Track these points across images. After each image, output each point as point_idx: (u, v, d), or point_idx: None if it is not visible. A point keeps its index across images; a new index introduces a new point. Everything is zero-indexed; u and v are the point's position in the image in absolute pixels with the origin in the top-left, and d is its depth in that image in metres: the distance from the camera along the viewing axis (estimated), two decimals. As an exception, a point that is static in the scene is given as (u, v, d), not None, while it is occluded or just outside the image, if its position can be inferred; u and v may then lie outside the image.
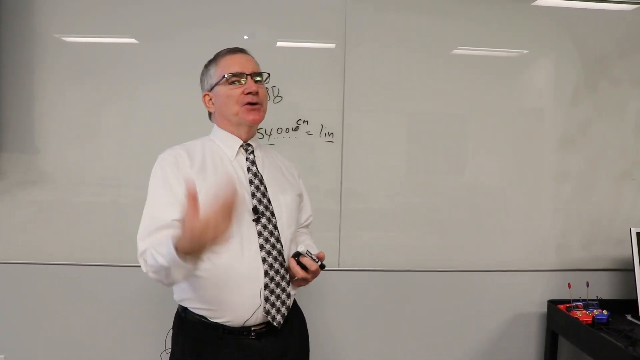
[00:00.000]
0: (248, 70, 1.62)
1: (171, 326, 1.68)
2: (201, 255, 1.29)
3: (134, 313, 2.48)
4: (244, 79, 1.61)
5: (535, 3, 2.59)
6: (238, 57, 1.65)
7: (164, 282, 1.42)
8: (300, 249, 1.58)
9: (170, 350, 1.67)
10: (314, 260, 1.57)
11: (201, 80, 1.71)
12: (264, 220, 1.58)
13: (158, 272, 1.38)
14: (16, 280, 2.47)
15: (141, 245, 1.47)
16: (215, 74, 1.64)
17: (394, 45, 2.54)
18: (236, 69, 1.61)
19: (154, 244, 1.39)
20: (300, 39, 2.52)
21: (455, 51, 2.59)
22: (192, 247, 1.23)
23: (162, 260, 1.32)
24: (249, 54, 1.69)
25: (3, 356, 2.48)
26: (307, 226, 1.90)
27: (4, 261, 2.46)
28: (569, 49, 2.61)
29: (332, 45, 2.52)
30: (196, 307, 1.57)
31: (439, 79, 2.57)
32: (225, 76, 1.61)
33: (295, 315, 1.73)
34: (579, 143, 2.64)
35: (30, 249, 2.46)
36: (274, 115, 2.43)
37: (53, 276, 2.47)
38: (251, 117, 1.62)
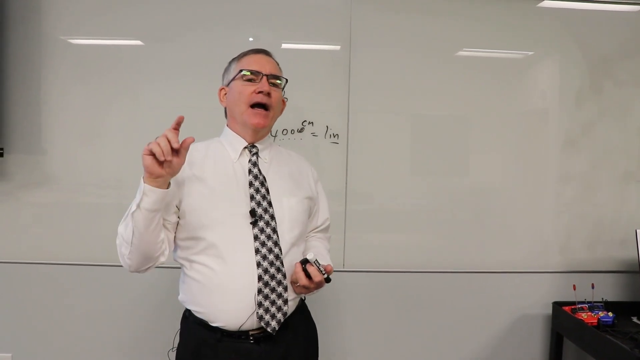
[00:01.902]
0: (266, 70, 1.62)
1: (179, 325, 1.69)
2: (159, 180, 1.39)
3: (141, 312, 2.50)
4: (259, 78, 1.61)
5: (539, 4, 2.59)
6: (259, 57, 1.66)
7: (124, 236, 1.47)
8: (309, 257, 1.53)
9: (176, 349, 1.68)
10: (320, 271, 1.53)
11: (222, 77, 1.72)
12: (261, 223, 1.57)
13: (126, 219, 1.46)
14: (23, 280, 2.48)
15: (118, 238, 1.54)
16: (234, 69, 1.65)
17: (399, 46, 2.54)
18: (254, 67, 1.62)
19: None
20: (305, 41, 2.53)
21: (460, 53, 2.59)
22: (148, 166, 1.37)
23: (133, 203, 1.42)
24: (271, 57, 1.69)
25: (10, 355, 2.50)
26: (324, 230, 1.88)
27: (11, 261, 2.47)
28: (573, 50, 2.61)
29: (337, 47, 2.53)
30: (196, 310, 1.58)
31: (444, 80, 2.57)
32: (242, 72, 1.61)
33: (301, 321, 1.72)
34: (583, 144, 2.64)
35: (36, 249, 2.48)
36: (279, 117, 2.44)
37: (59, 276, 2.48)
38: (255, 120, 1.60)
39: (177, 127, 1.39)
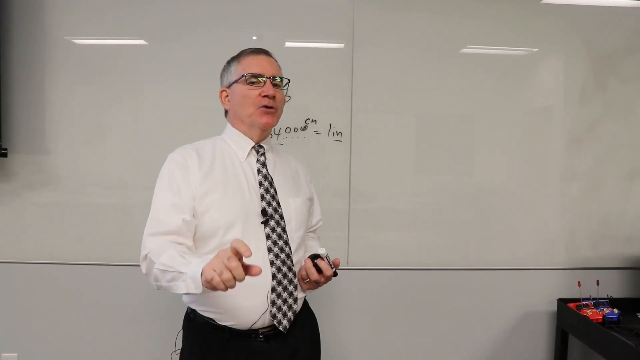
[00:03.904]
0: (268, 73, 1.61)
1: (181, 327, 1.69)
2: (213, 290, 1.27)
3: (144, 313, 2.50)
4: (263, 81, 1.60)
5: (543, 1, 2.57)
6: (261, 58, 1.64)
7: (161, 283, 1.39)
8: (321, 252, 1.56)
9: (179, 350, 1.67)
10: (330, 265, 1.56)
11: (221, 76, 1.70)
12: (272, 222, 1.57)
13: (165, 272, 1.36)
14: (27, 280, 2.49)
15: (145, 245, 1.46)
16: (235, 71, 1.63)
17: (402, 44, 2.54)
18: (257, 70, 1.60)
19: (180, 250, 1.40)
20: (308, 39, 2.53)
21: (464, 50, 2.58)
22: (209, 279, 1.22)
23: (182, 266, 1.31)
24: (272, 57, 1.67)
25: (16, 354, 2.51)
26: (315, 230, 1.90)
27: (16, 261, 2.48)
28: (577, 46, 2.60)
29: (341, 45, 2.52)
30: (204, 309, 1.57)
31: (447, 78, 2.56)
32: (245, 75, 1.59)
33: (306, 318, 1.72)
34: (588, 141, 2.63)
35: (41, 249, 2.49)
36: (282, 115, 2.44)
37: (63, 276, 2.49)
38: (264, 120, 1.60)
39: (241, 258, 1.22)
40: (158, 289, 1.45)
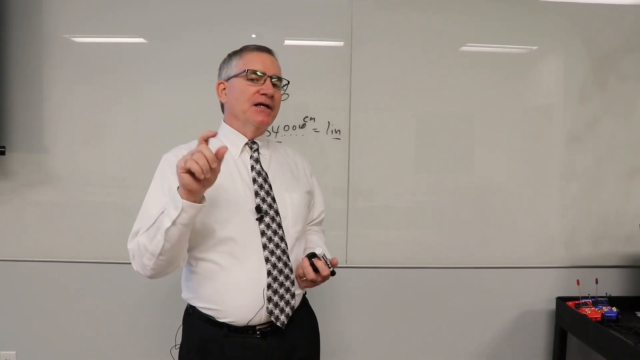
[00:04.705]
0: (270, 71, 1.61)
1: (181, 322, 1.69)
2: (194, 194, 1.33)
3: (144, 310, 2.51)
4: (263, 79, 1.60)
5: (543, -1, 2.58)
6: (264, 56, 1.64)
7: (149, 248, 1.40)
8: (318, 252, 1.56)
9: (179, 346, 1.68)
10: (327, 265, 1.56)
11: (220, 68, 1.70)
12: (267, 219, 1.57)
13: (149, 230, 1.40)
14: (26, 278, 2.50)
15: (131, 243, 1.47)
16: (236, 65, 1.63)
17: (401, 43, 2.53)
18: (258, 67, 1.60)
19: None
20: (307, 38, 2.52)
21: (463, 48, 2.58)
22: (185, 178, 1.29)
23: (162, 213, 1.37)
24: (274, 57, 1.67)
25: (14, 352, 2.51)
26: (319, 223, 1.89)
27: (14, 259, 2.49)
28: (577, 45, 2.59)
29: (340, 43, 2.52)
30: (202, 306, 1.58)
31: (447, 76, 2.56)
32: (246, 71, 1.59)
33: (305, 315, 1.73)
34: (588, 140, 2.62)
35: (39, 247, 2.49)
36: (281, 113, 2.40)
37: (62, 274, 2.50)
38: (259, 118, 1.60)
39: (207, 141, 1.32)
40: (151, 277, 1.46)
